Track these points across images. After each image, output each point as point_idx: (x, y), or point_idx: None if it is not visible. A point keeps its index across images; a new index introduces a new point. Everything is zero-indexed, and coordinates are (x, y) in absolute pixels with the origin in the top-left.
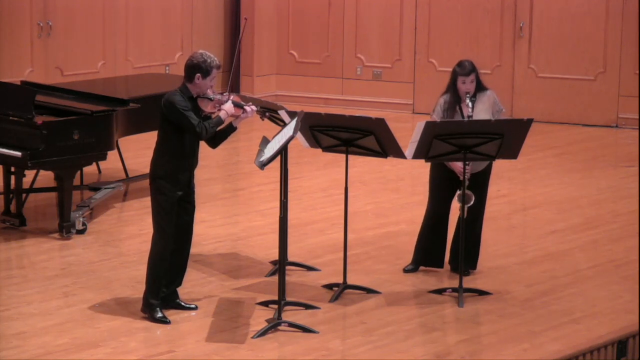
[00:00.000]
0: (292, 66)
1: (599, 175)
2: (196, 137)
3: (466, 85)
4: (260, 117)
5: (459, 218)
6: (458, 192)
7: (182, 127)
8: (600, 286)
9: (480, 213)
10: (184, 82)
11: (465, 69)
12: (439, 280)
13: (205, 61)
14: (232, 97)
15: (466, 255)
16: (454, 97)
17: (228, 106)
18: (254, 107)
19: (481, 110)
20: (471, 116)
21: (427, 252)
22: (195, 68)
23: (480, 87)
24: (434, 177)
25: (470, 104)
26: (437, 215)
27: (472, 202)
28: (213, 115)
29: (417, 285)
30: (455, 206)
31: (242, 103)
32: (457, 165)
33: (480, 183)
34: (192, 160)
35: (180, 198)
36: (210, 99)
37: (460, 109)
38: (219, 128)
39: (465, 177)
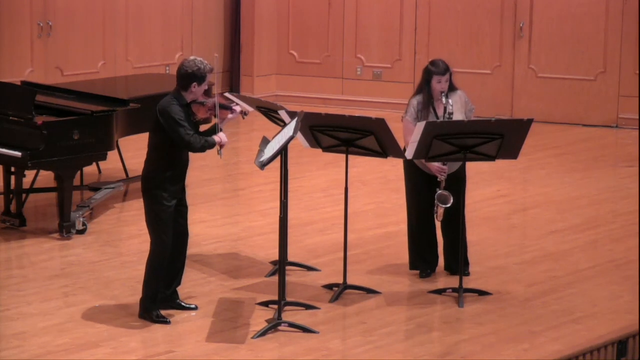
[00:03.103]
0: (292, 66)
1: (599, 175)
2: (187, 149)
3: (442, 84)
4: (242, 117)
5: (442, 221)
6: (438, 192)
7: (174, 139)
8: (600, 286)
9: (461, 215)
10: (178, 90)
11: (441, 68)
12: (439, 280)
13: (200, 68)
14: (219, 99)
15: (457, 260)
16: (427, 97)
17: (223, 136)
18: (237, 108)
19: (455, 110)
20: (451, 112)
21: (423, 257)
22: (191, 77)
23: (451, 87)
24: (410, 183)
25: (450, 102)
26: (424, 220)
27: (450, 203)
28: (200, 117)
29: (417, 285)
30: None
31: (228, 105)
32: (433, 165)
33: (455, 184)
34: (185, 166)
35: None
36: (203, 104)
37: (434, 108)
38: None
39: (443, 177)
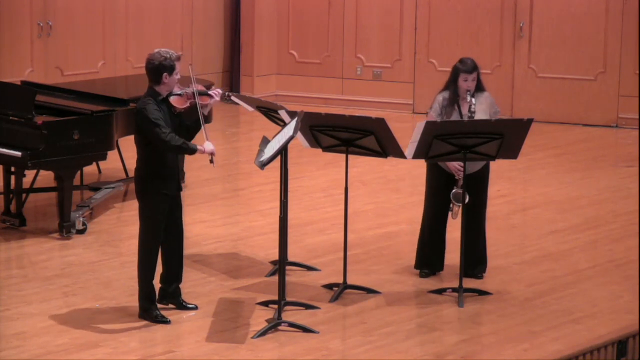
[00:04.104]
0: (292, 66)
1: (599, 175)
2: (165, 149)
3: (468, 82)
4: (225, 100)
5: (461, 222)
6: (453, 190)
7: (151, 139)
8: (600, 286)
9: (481, 216)
10: (151, 86)
11: (468, 66)
12: (439, 280)
13: (166, 58)
14: (197, 86)
15: (476, 260)
16: (454, 94)
17: (208, 147)
18: (218, 90)
19: (479, 111)
20: (474, 112)
21: (429, 257)
22: (160, 68)
23: (479, 87)
24: (430, 181)
25: (474, 101)
26: (436, 219)
27: (465, 201)
28: (180, 108)
29: (417, 285)
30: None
31: (207, 91)
32: (452, 163)
33: (477, 185)
34: (176, 162)
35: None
36: (180, 95)
37: (459, 106)
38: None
39: (460, 177)
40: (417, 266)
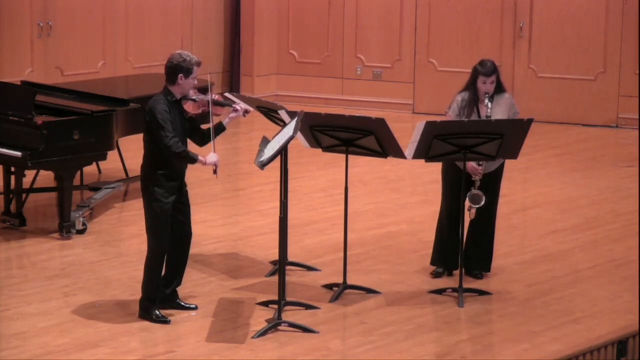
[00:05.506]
0: (292, 66)
1: (599, 175)
2: (165, 152)
3: (486, 85)
4: (243, 115)
5: (470, 220)
6: (470, 192)
7: (155, 138)
8: (600, 286)
9: (492, 215)
10: (166, 86)
11: (487, 68)
12: (439, 280)
13: (185, 60)
14: (215, 96)
15: (480, 258)
16: (473, 96)
17: (210, 158)
18: (242, 106)
19: (498, 112)
20: (489, 116)
21: (445, 254)
22: (177, 69)
23: (499, 89)
24: (446, 176)
25: (489, 104)
26: (451, 213)
27: (482, 203)
28: (192, 113)
29: (417, 285)
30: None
31: (225, 102)
32: (468, 164)
33: (491, 184)
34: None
35: (174, 200)
36: (195, 100)
37: (478, 108)
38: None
39: (477, 178)
40: (433, 262)
